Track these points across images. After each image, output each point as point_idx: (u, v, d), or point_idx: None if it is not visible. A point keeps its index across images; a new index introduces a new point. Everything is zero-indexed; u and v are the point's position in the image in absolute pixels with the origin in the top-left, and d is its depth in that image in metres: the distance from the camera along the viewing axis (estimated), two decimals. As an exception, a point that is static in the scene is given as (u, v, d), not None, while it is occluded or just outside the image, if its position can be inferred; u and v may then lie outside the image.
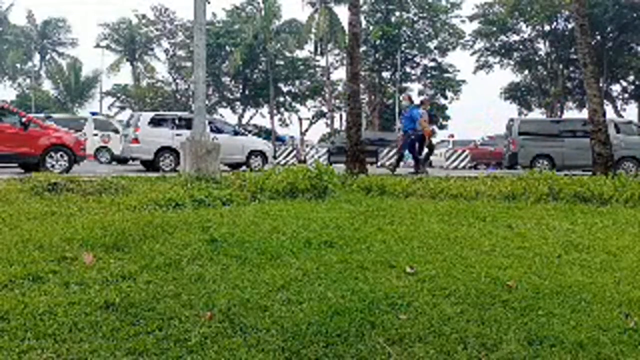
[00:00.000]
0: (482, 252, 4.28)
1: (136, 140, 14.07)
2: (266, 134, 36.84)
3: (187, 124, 14.30)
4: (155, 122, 14.62)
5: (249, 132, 24.40)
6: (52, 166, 11.21)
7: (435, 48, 43.08)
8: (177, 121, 14.91)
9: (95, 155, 20.49)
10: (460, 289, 3.30)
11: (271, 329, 2.67)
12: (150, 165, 14.05)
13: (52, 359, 2.34)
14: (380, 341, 2.57)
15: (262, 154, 15.87)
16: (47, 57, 48.51)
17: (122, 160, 16.99)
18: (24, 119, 11.26)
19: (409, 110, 13.52)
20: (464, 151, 24.31)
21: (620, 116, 32.09)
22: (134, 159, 15.00)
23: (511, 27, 37.83)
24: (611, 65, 34.37)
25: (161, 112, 17.80)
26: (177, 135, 13.76)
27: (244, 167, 14.79)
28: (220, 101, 46.34)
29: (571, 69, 37.00)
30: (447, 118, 44.38)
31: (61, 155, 11.44)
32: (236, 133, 16.18)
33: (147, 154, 14.03)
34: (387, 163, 18.62)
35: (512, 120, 17.62)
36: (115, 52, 46.03)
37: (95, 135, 20.85)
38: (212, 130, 14.79)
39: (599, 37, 33.85)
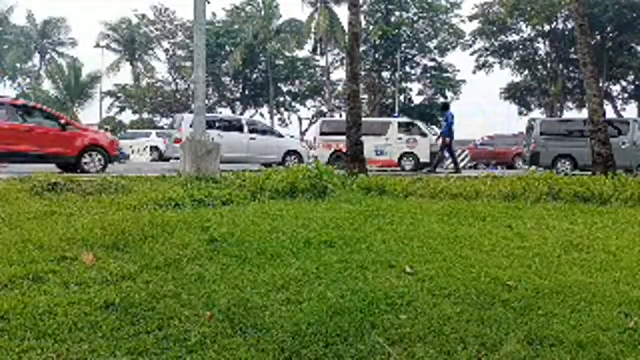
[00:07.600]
0: (482, 252, 4.28)
1: (179, 140, 14.47)
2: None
3: (228, 126, 15.65)
4: None
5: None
6: (88, 166, 11.46)
7: (435, 48, 43.04)
8: (217, 123, 15.61)
9: (400, 161, 17.39)
10: (460, 289, 3.29)
11: (271, 329, 2.67)
12: None
13: (52, 359, 2.34)
14: (380, 341, 2.57)
15: (297, 154, 16.34)
16: (47, 57, 48.44)
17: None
18: (62, 121, 11.53)
19: None
20: (464, 151, 24.28)
21: (620, 116, 32.06)
22: (177, 159, 15.48)
23: (511, 27, 37.79)
24: (611, 65, 34.32)
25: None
26: (219, 136, 14.16)
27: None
28: (220, 101, 46.34)
29: (571, 69, 36.95)
30: (447, 118, 44.31)
31: (96, 156, 11.64)
32: (273, 134, 16.87)
33: None
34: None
35: (533, 120, 17.51)
36: (115, 52, 45.96)
37: (400, 139, 17.53)
38: (250, 131, 15.78)
39: (599, 37, 33.82)
